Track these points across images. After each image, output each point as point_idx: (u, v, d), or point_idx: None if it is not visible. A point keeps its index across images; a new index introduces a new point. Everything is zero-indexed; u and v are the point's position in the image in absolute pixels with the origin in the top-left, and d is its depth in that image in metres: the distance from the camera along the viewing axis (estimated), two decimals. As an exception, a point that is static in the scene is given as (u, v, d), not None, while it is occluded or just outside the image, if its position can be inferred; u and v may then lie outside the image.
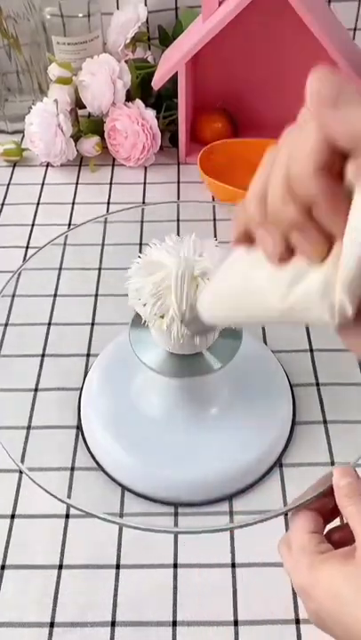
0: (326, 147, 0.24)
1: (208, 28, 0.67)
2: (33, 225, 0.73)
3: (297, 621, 0.43)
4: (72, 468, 0.51)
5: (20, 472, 0.51)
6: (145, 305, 0.41)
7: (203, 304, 0.35)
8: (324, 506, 0.36)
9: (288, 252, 0.27)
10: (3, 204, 0.75)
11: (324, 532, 0.36)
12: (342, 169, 0.24)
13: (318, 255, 0.26)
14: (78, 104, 0.78)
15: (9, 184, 0.78)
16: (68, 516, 0.48)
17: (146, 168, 0.80)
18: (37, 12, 0.80)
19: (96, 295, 0.64)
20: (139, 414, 0.51)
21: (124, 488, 0.50)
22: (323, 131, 0.24)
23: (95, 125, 0.80)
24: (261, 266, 0.28)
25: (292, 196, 0.25)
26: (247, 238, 0.30)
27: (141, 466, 0.49)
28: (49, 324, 0.61)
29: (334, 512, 0.36)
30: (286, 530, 0.47)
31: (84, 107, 0.78)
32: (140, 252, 0.43)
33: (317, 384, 0.56)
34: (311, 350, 0.59)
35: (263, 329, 0.61)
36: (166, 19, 0.88)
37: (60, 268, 0.66)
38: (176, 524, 0.48)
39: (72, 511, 0.48)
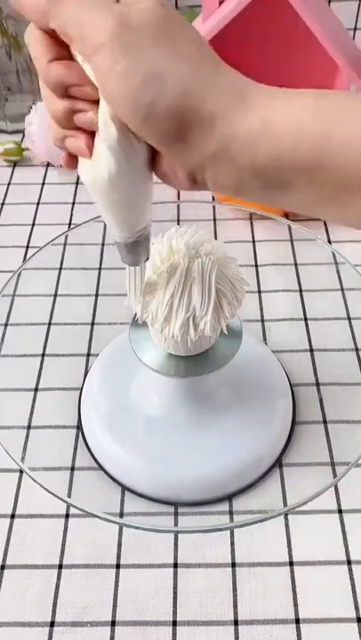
0: (44, 37, 0.28)
1: (208, 28, 0.67)
2: (33, 225, 0.73)
3: (297, 621, 0.43)
4: (72, 468, 0.51)
5: (20, 472, 0.51)
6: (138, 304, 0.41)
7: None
8: None
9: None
10: (3, 204, 0.75)
11: None
12: None
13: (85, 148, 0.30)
14: (78, 104, 0.78)
15: (9, 184, 0.78)
16: (68, 516, 0.48)
17: (146, 168, 0.80)
18: (37, 12, 0.80)
19: (96, 295, 0.64)
20: (139, 414, 0.51)
21: (124, 488, 0.50)
22: (33, 23, 0.28)
23: (95, 125, 0.80)
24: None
25: (50, 92, 0.29)
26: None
27: (141, 466, 0.49)
28: (49, 323, 0.61)
29: None
30: (286, 530, 0.47)
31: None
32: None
33: (317, 384, 0.56)
34: (311, 350, 0.59)
35: (263, 329, 0.61)
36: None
37: (60, 268, 0.66)
38: (176, 524, 0.48)
39: (72, 511, 0.48)
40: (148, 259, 0.38)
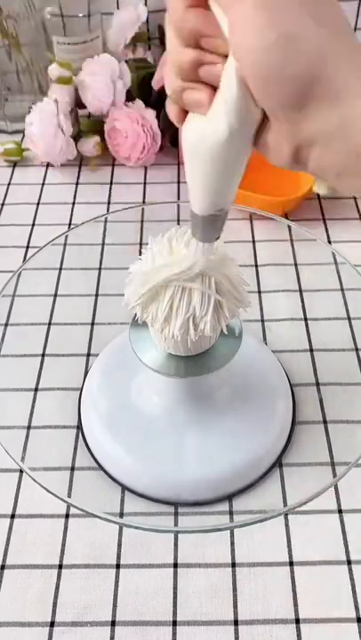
0: None
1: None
2: (33, 225, 0.73)
3: (297, 621, 0.43)
4: (72, 468, 0.51)
5: (20, 472, 0.51)
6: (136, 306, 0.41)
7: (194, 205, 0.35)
8: None
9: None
10: (3, 204, 0.75)
11: None
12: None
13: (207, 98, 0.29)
14: (78, 104, 0.78)
15: (9, 184, 0.78)
16: (68, 516, 0.48)
17: (146, 168, 0.80)
18: (37, 12, 0.80)
19: (96, 295, 0.64)
20: (139, 414, 0.51)
21: (124, 488, 0.50)
22: None
23: (95, 125, 0.80)
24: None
25: (178, 41, 0.29)
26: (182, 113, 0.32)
27: (141, 465, 0.49)
28: (49, 323, 0.61)
29: None
30: (286, 529, 0.47)
31: (84, 107, 0.78)
32: (140, 252, 0.43)
33: (317, 384, 0.56)
34: (311, 350, 0.59)
35: (263, 329, 0.61)
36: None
37: (60, 268, 0.66)
38: (176, 524, 0.48)
39: (72, 511, 0.48)
40: (218, 237, 0.37)
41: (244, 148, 0.30)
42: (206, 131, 0.29)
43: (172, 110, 0.32)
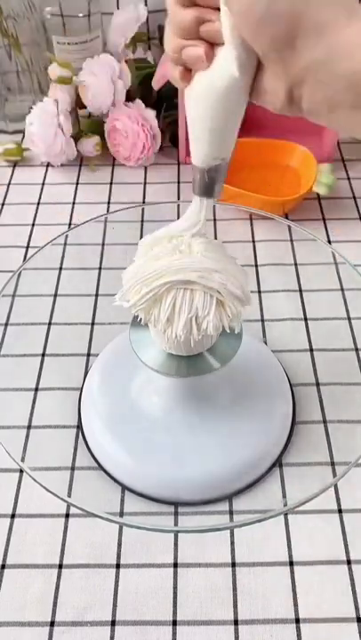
0: None
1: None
2: (33, 225, 0.73)
3: (297, 621, 0.43)
4: (72, 468, 0.51)
5: (20, 472, 0.51)
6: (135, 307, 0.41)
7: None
8: None
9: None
10: (3, 204, 0.75)
11: None
12: None
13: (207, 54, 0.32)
14: (78, 104, 0.78)
15: (9, 184, 0.78)
16: (68, 516, 0.48)
17: (146, 168, 0.80)
18: (37, 12, 0.80)
19: (96, 295, 0.64)
20: (139, 414, 0.51)
21: (124, 487, 0.50)
22: None
23: (95, 125, 0.80)
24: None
25: (176, 2, 0.32)
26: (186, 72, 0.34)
27: (141, 465, 0.49)
28: (49, 323, 0.61)
29: None
30: (286, 529, 0.47)
31: (84, 107, 0.78)
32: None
33: (317, 384, 0.56)
34: (311, 350, 0.59)
35: (263, 329, 0.61)
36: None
37: (60, 268, 0.66)
38: (176, 524, 0.48)
39: (72, 511, 0.48)
40: (221, 192, 0.39)
41: (244, 94, 0.32)
42: (212, 79, 0.32)
43: (176, 71, 0.34)
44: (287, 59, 0.29)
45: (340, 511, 0.48)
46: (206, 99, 0.33)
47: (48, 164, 0.80)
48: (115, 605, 0.44)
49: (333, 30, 0.28)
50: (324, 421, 0.53)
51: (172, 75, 0.34)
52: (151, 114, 0.76)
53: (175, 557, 0.46)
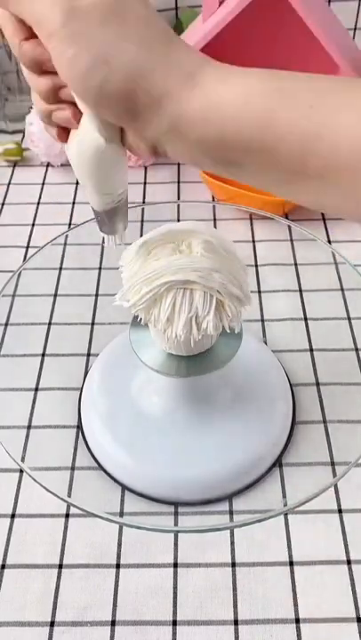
0: (14, 17, 0.29)
1: (208, 28, 0.67)
2: (33, 225, 0.73)
3: (297, 621, 0.43)
4: (72, 468, 0.51)
5: (20, 472, 0.51)
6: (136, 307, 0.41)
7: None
8: None
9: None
10: (3, 204, 0.75)
11: None
12: None
13: (70, 119, 0.31)
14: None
15: (9, 184, 0.78)
16: (68, 516, 0.48)
17: (146, 168, 0.80)
18: (37, 12, 0.80)
19: (96, 295, 0.64)
20: (139, 414, 0.51)
21: (124, 487, 0.50)
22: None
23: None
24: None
25: (30, 71, 0.31)
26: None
27: (141, 465, 0.49)
28: (49, 323, 0.61)
29: None
30: (286, 529, 0.47)
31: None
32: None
33: (317, 384, 0.56)
34: (311, 350, 0.59)
35: (263, 329, 0.61)
36: (166, 19, 0.88)
37: (60, 268, 0.66)
38: (176, 524, 0.48)
39: (72, 511, 0.48)
40: (126, 227, 0.40)
41: (118, 149, 0.32)
42: (83, 139, 0.32)
43: (51, 132, 0.34)
44: (137, 128, 0.29)
45: (340, 511, 0.48)
46: (80, 156, 0.33)
47: (48, 164, 0.80)
48: (115, 605, 0.44)
49: (176, 102, 0.27)
50: (324, 421, 0.53)
51: (48, 132, 0.34)
52: (151, 114, 0.76)
53: (175, 557, 0.46)
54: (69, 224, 0.73)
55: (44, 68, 0.30)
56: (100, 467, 0.51)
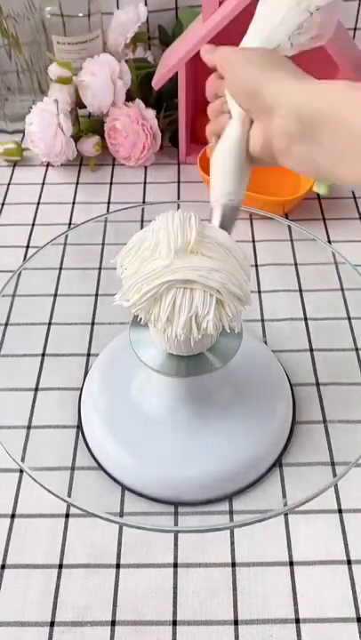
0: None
1: (208, 28, 0.67)
2: (33, 225, 0.73)
3: (297, 621, 0.43)
4: (72, 468, 0.51)
5: (20, 472, 0.51)
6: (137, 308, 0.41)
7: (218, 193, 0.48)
8: None
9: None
10: (3, 204, 0.75)
11: None
12: None
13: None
14: (78, 104, 0.78)
15: (9, 184, 0.78)
16: (68, 516, 0.48)
17: (146, 168, 0.80)
18: (37, 12, 0.80)
19: (96, 295, 0.64)
20: (139, 414, 0.51)
21: (124, 487, 0.50)
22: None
23: (95, 125, 0.80)
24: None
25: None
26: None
27: (141, 465, 0.49)
28: (49, 323, 0.61)
29: None
30: (286, 529, 0.47)
31: (84, 107, 0.78)
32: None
33: (317, 384, 0.56)
34: (311, 350, 0.59)
35: (263, 329, 0.61)
36: (166, 18, 0.88)
37: (60, 268, 0.66)
38: (176, 524, 0.48)
39: (72, 511, 0.48)
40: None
41: (244, 145, 0.45)
42: (230, 135, 0.45)
43: (213, 139, 0.48)
44: (261, 121, 0.41)
45: (340, 511, 0.48)
46: (230, 145, 0.45)
47: (48, 164, 0.80)
48: (115, 605, 0.44)
49: (278, 112, 0.39)
50: (324, 421, 0.53)
51: (209, 133, 0.48)
52: (151, 114, 0.76)
53: (175, 557, 0.46)
54: (69, 224, 0.73)
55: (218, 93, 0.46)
56: (100, 467, 0.51)
